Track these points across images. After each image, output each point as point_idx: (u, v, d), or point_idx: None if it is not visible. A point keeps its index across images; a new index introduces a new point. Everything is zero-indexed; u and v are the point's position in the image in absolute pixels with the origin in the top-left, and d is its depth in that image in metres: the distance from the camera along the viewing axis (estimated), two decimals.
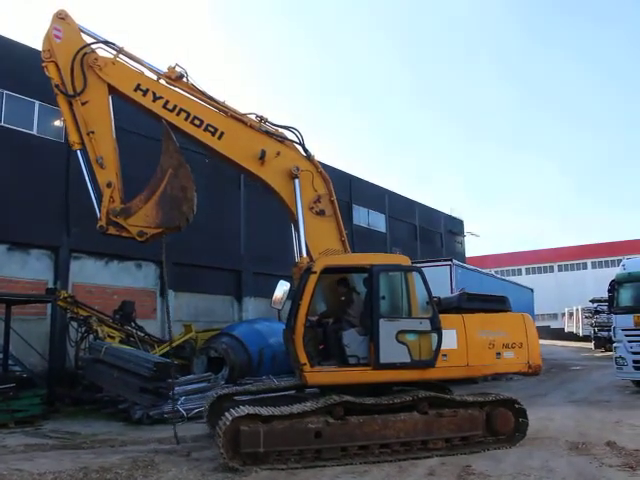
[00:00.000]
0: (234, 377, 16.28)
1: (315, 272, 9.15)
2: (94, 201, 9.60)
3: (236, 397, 10.24)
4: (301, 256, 9.82)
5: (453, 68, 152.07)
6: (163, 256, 9.89)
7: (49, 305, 16.38)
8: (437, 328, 9.14)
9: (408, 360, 9.02)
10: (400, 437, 8.75)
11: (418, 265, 10.57)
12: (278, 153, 10.19)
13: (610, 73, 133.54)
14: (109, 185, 9.60)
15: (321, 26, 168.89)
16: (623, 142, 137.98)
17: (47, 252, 18.60)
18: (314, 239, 9.99)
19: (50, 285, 17.74)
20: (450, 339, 9.28)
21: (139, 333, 17.02)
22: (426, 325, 9.15)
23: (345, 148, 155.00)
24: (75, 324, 16.22)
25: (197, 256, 21.41)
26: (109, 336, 15.77)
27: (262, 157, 10.00)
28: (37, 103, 18.65)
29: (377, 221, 36.42)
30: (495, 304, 10.52)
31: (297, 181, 10.04)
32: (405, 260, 9.81)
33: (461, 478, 7.63)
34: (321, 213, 10.19)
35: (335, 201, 10.29)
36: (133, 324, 17.23)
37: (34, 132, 18.68)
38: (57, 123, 19.31)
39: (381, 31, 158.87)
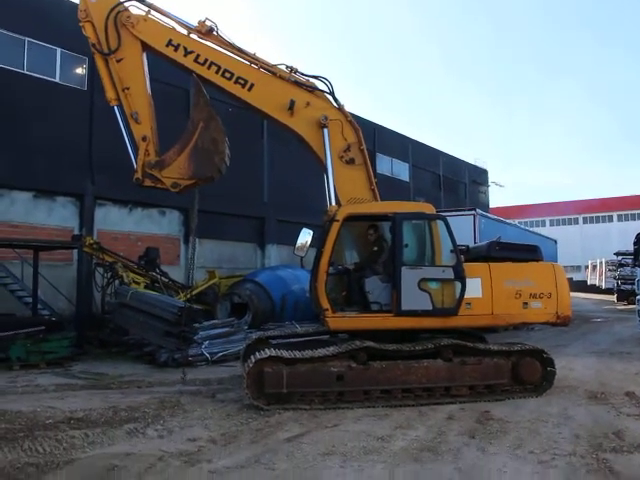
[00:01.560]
0: (257, 323, 16.54)
1: (338, 220, 9.21)
2: (131, 154, 9.76)
3: (272, 341, 10.35)
4: (331, 204, 9.86)
5: (482, 16, 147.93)
6: (195, 206, 10.02)
7: (75, 251, 16.67)
8: (460, 277, 9.11)
9: (430, 308, 9.06)
10: (422, 383, 8.89)
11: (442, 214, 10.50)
12: (308, 103, 10.17)
13: None
14: (144, 139, 9.74)
15: None
16: None
17: (72, 199, 18.86)
18: (344, 187, 10.00)
19: (76, 232, 18.02)
20: (475, 288, 9.24)
21: (163, 279, 17.31)
22: (449, 273, 9.14)
23: (370, 99, 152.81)
24: (101, 270, 16.52)
25: (221, 203, 21.47)
26: (134, 281, 16.05)
27: (291, 107, 10.00)
28: (59, 50, 18.64)
29: (401, 170, 36.16)
30: (526, 253, 10.36)
31: (326, 130, 10.03)
32: (429, 208, 9.76)
33: (480, 423, 7.76)
34: (351, 162, 10.17)
35: (365, 150, 10.26)
36: (157, 270, 17.50)
37: (57, 79, 18.68)
38: (80, 70, 19.31)
39: None
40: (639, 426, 7.55)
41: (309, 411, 8.35)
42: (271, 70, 10.24)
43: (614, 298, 38.52)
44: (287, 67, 10.31)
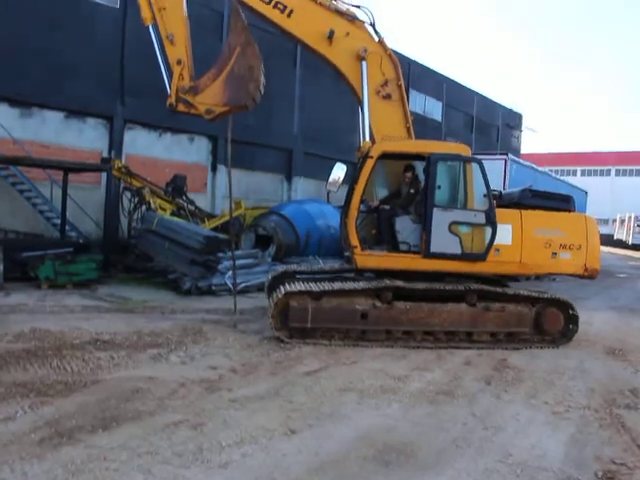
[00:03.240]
0: (280, 256, 16.65)
1: (372, 157, 9.11)
2: (165, 78, 9.52)
3: (298, 275, 10.42)
4: (364, 140, 9.72)
5: None
6: (228, 134, 9.87)
7: (104, 174, 16.77)
8: (492, 222, 9.01)
9: (459, 252, 9.03)
10: (444, 326, 8.98)
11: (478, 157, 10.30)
12: (347, 33, 9.89)
13: None
14: (179, 62, 9.48)
15: None
16: None
17: (102, 121, 18.86)
18: (379, 124, 9.83)
19: (105, 155, 18.07)
20: (505, 234, 9.17)
21: (190, 207, 17.40)
22: (480, 218, 9.04)
23: (405, 32, 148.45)
24: (129, 194, 16.63)
25: (250, 133, 21.31)
26: (161, 208, 16.15)
27: (330, 37, 9.73)
28: None
29: (433, 109, 35.48)
30: (558, 203, 10.14)
31: (364, 63, 9.78)
32: (466, 150, 9.56)
33: (496, 370, 7.85)
34: (387, 97, 9.95)
35: (402, 86, 10.00)
36: (184, 197, 17.57)
37: None
38: None
39: None
40: None
41: (328, 347, 8.51)
42: None
43: None
44: None
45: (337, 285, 8.84)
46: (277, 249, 16.85)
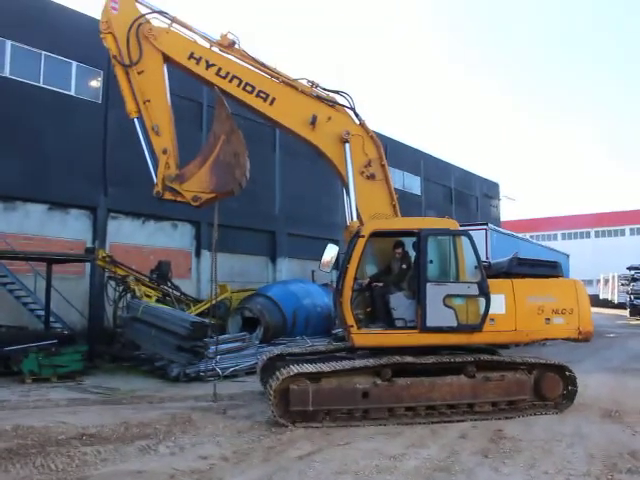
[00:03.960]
0: (268, 337, 16.54)
1: (363, 236, 9.23)
2: (150, 167, 9.74)
3: (290, 357, 10.37)
4: (352, 220, 9.86)
5: (493, 27, 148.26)
6: (215, 219, 9.99)
7: (88, 264, 16.74)
8: (485, 293, 9.14)
9: (455, 324, 9.08)
10: (446, 400, 8.89)
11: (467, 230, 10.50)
12: (329, 118, 10.21)
13: None
14: (165, 152, 9.74)
15: None
16: None
17: (86, 212, 18.99)
18: (365, 203, 10.02)
19: (89, 245, 18.12)
20: (498, 304, 9.28)
21: (175, 292, 17.35)
22: (474, 289, 9.16)
23: (380, 109, 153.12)
24: (113, 283, 16.58)
25: (233, 217, 21.41)
26: (146, 295, 16.09)
27: (313, 122, 10.03)
28: (75, 64, 18.86)
29: (412, 183, 36.13)
30: (546, 269, 10.47)
31: (348, 145, 10.06)
32: (454, 224, 9.81)
33: (493, 442, 7.71)
34: (372, 177, 10.19)
35: (386, 166, 10.28)
36: (169, 283, 17.55)
37: (72, 93, 18.87)
38: (94, 83, 19.51)
39: None
40: None
41: (321, 429, 8.32)
42: (292, 84, 10.27)
43: (627, 313, 38.21)
44: (308, 81, 10.36)
45: (338, 365, 8.72)
46: (264, 331, 16.76)
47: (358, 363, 8.78)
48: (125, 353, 15.15)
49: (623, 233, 76.14)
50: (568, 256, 32.95)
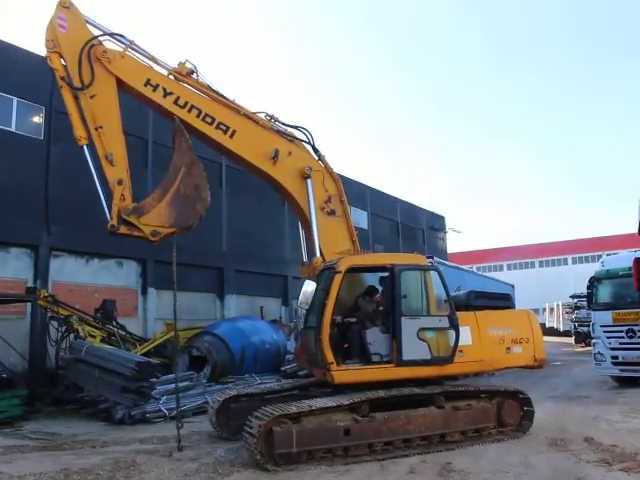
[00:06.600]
0: (216, 376, 16.24)
1: (340, 272, 9.20)
2: (103, 200, 9.20)
3: (243, 399, 10.23)
4: (314, 256, 9.83)
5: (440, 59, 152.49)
6: (173, 255, 9.71)
7: (29, 304, 16.22)
8: (455, 325, 9.41)
9: (429, 357, 9.24)
10: (421, 432, 8.98)
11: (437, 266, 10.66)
12: (290, 153, 10.17)
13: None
14: (120, 182, 9.22)
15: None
16: (607, 137, 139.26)
17: (27, 250, 18.43)
18: (326, 239, 10.03)
19: (30, 284, 17.57)
20: (465, 335, 9.57)
21: (120, 332, 16.95)
22: (445, 322, 9.40)
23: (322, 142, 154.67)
24: (55, 323, 16.05)
25: (179, 254, 21.20)
26: (90, 335, 15.67)
27: (275, 157, 9.94)
28: (15, 99, 18.49)
29: (359, 218, 36.46)
30: (501, 301, 11.03)
31: (309, 181, 10.04)
32: (423, 260, 10.06)
33: (441, 475, 7.71)
34: (332, 213, 10.23)
35: (345, 201, 10.33)
36: (114, 323, 17.15)
37: (13, 129, 18.49)
38: (36, 119, 19.16)
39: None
40: (599, 473, 7.61)
41: (265, 472, 7.96)
42: (252, 117, 10.13)
43: (572, 340, 39.03)
44: (267, 115, 10.29)
45: (320, 403, 8.55)
46: (212, 369, 16.44)
47: (341, 400, 8.63)
48: (68, 395, 14.61)
49: (566, 262, 78.39)
50: (513, 286, 33.67)
